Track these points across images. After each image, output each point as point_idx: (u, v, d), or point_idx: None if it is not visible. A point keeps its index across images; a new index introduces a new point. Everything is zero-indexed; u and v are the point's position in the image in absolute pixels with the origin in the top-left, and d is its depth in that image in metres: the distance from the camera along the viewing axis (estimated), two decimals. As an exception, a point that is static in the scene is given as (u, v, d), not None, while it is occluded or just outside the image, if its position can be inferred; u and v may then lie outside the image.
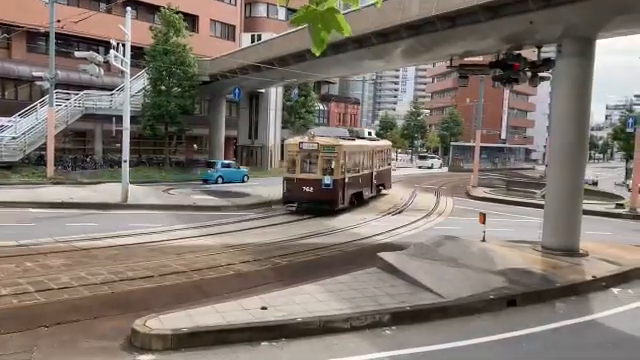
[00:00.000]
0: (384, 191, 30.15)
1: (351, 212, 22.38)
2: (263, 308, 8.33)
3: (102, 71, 21.53)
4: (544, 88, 72.85)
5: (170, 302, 9.14)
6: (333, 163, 21.55)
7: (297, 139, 23.04)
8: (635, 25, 14.28)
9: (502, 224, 19.88)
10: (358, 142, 25.68)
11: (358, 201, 24.51)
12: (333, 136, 23.32)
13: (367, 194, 26.06)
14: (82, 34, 32.89)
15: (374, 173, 27.35)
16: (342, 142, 22.70)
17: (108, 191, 22.62)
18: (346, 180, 22.45)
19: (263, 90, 42.83)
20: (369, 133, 30.60)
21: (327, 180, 21.21)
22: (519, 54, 16.35)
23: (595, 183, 50.13)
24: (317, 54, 1.68)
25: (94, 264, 11.65)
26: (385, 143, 33.43)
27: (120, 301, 9.32)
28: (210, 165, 35.32)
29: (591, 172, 57.54)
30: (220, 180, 33.19)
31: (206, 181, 33.28)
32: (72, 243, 13.67)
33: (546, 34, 14.93)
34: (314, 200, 21.45)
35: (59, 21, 26.00)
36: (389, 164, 32.65)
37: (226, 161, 36.78)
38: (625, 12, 12.69)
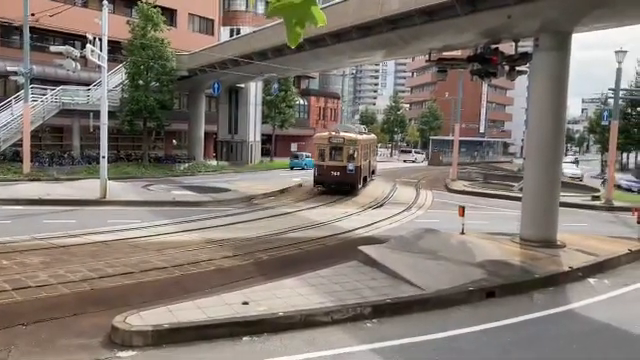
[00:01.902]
0: (373, 176, 35.70)
1: (333, 206, 22.54)
2: (244, 303, 8.32)
3: (79, 66, 21.18)
4: (522, 82, 73.65)
5: (151, 298, 9.09)
6: (355, 153, 27.12)
7: (326, 134, 28.52)
8: (610, 19, 14.52)
9: (481, 217, 20.11)
10: (366, 137, 32.14)
11: (364, 183, 30.05)
12: (353, 132, 29.84)
13: (368, 178, 32.18)
14: (58, 28, 32.39)
15: (370, 161, 33.59)
16: (359, 137, 28.93)
17: (86, 187, 22.34)
18: (361, 167, 28.17)
19: (243, 85, 42.65)
20: (365, 128, 38.03)
21: (351, 166, 26.91)
22: (497, 48, 16.50)
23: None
24: (293, 47, 1.68)
25: (73, 261, 11.51)
26: (374, 137, 40.55)
27: (100, 298, 9.24)
28: (296, 157, 45.36)
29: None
30: (306, 167, 42.15)
31: (292, 168, 43.12)
32: (50, 240, 13.48)
33: (524, 28, 15.10)
34: (340, 182, 26.94)
35: (33, 14, 25.52)
36: (376, 154, 40.97)
37: (305, 153, 46.81)
38: (600, 6, 12.89)
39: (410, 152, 75.48)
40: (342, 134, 27.81)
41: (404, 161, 68.04)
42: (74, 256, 12.04)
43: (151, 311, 7.92)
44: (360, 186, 28.32)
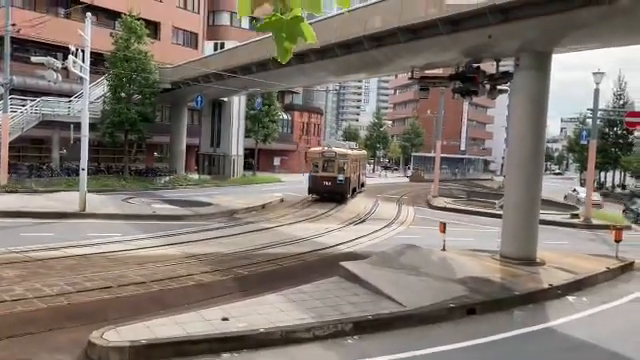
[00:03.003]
0: (363, 188, 39.26)
1: (314, 221, 22.52)
2: (224, 319, 8.24)
3: (60, 77, 21.02)
4: (502, 101, 74.64)
5: (129, 313, 8.95)
6: (344, 166, 30.88)
7: (319, 149, 33.17)
8: (587, 41, 14.82)
9: (462, 233, 20.21)
10: (355, 152, 36.01)
11: (353, 193, 33.33)
12: (345, 147, 34.26)
13: (357, 189, 35.51)
14: (40, 39, 32.09)
15: (360, 174, 37.28)
16: (349, 152, 32.97)
17: (65, 200, 22.05)
18: (351, 178, 31.78)
19: (226, 99, 42.57)
20: (355, 145, 42.57)
21: (341, 177, 30.49)
22: (478, 67, 16.72)
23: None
24: (283, 62, 1.69)
25: (50, 275, 11.31)
26: (364, 153, 45.57)
27: (77, 313, 9.07)
28: None
29: None
30: None
31: None
32: (27, 253, 13.24)
33: (504, 48, 15.34)
34: (331, 191, 30.39)
35: (14, 25, 25.27)
36: (365, 168, 45.09)
37: None
38: (578, 28, 13.13)
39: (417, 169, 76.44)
40: (334, 149, 32.09)
41: (406, 176, 69.53)
42: (51, 269, 11.84)
43: (129, 327, 7.80)
44: (349, 196, 31.74)
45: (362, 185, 38.96)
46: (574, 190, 44.02)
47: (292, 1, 1.49)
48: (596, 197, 39.25)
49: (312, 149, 34.30)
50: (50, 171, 32.88)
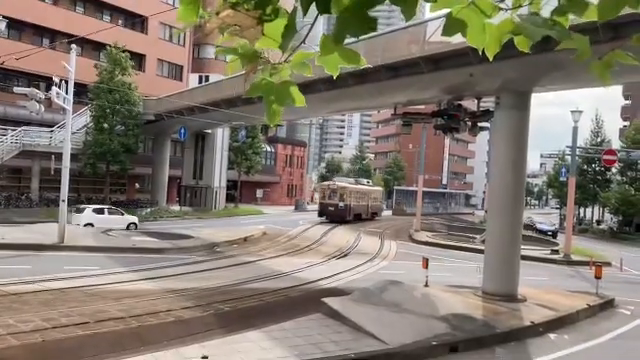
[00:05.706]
0: (377, 217, 50.16)
1: (297, 255, 22.39)
2: (204, 357, 8.08)
3: (42, 108, 20.90)
4: (483, 136, 75.64)
5: (106, 351, 8.76)
6: (345, 196, 41.51)
7: (327, 182, 46.08)
8: (565, 81, 15.20)
9: (444, 268, 20.22)
10: (358, 186, 46.97)
11: (358, 219, 43.60)
12: (346, 182, 45.38)
13: (364, 216, 46.05)
14: (23, 69, 32.02)
15: (369, 205, 47.93)
16: (349, 185, 44.28)
17: (43, 231, 21.69)
18: (351, 206, 42.31)
19: (210, 130, 42.65)
20: (367, 182, 52.94)
21: (341, 204, 41.17)
22: (460, 104, 17.03)
23: None
24: (272, 125, 1.71)
25: (25, 310, 11.03)
26: (377, 188, 55.48)
27: (51, 350, 8.83)
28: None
29: None
30: None
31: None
32: (1, 287, 12.93)
33: (485, 87, 15.66)
34: (333, 214, 40.64)
35: (-1, 56, 25.16)
36: (380, 202, 54.11)
37: None
38: (555, 70, 13.46)
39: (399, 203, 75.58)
40: (337, 183, 43.63)
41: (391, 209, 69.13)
42: (26, 304, 11.55)
43: (106, 365, 7.62)
44: (349, 218, 41.60)
45: (374, 214, 49.74)
46: None
47: (282, 66, 1.51)
48: None
49: (323, 182, 50.24)
50: (29, 201, 32.45)
